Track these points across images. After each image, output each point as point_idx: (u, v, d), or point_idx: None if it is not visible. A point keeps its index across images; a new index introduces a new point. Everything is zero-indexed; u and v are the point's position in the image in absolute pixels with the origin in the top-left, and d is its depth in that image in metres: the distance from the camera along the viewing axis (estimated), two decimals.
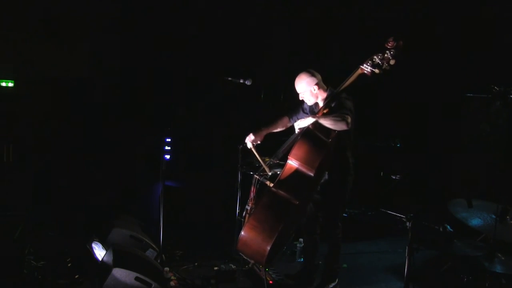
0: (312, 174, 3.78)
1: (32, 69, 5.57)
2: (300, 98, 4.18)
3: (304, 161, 3.79)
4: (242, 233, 3.76)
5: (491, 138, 5.71)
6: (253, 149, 4.22)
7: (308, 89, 4.09)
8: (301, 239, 4.85)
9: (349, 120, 3.80)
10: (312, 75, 4.10)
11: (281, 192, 3.80)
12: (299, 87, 4.13)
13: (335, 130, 3.85)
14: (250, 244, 3.74)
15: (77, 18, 5.82)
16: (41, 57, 5.65)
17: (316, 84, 4.08)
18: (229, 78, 4.54)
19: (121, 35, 6.07)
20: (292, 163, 3.83)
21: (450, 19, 6.07)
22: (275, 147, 4.23)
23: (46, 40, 5.70)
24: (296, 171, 3.81)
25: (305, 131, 3.88)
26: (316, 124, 3.85)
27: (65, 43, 5.82)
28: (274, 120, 4.44)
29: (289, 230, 4.02)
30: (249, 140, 4.25)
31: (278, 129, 4.44)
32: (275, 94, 6.33)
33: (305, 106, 4.32)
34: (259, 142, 4.29)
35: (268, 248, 3.67)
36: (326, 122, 3.80)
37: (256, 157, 4.19)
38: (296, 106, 4.40)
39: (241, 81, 4.51)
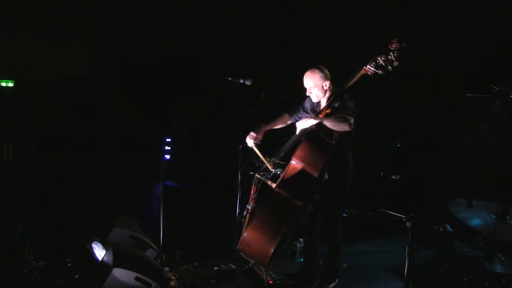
0: (316, 175, 3.77)
1: (32, 69, 5.57)
2: (308, 93, 4.14)
3: (308, 162, 3.78)
4: (245, 234, 3.74)
5: (491, 138, 5.71)
6: (254, 148, 4.21)
7: (320, 84, 4.05)
8: (301, 239, 4.84)
9: (352, 121, 3.80)
10: (324, 70, 4.08)
11: (285, 193, 3.79)
12: (311, 82, 4.06)
13: (338, 132, 3.86)
14: (253, 245, 3.72)
15: (77, 18, 5.83)
16: (41, 57, 5.65)
17: (329, 80, 4.07)
18: (229, 78, 4.54)
19: (121, 35, 6.07)
20: (296, 164, 3.81)
21: (450, 19, 6.08)
22: (276, 147, 4.22)
23: (46, 40, 5.70)
24: (300, 172, 3.80)
25: (309, 132, 3.87)
26: (319, 126, 3.84)
27: (65, 43, 5.82)
28: (274, 117, 4.44)
29: (290, 231, 4.02)
30: (250, 138, 4.23)
31: (278, 126, 4.43)
32: (275, 94, 6.33)
33: (306, 105, 4.31)
34: (260, 139, 4.27)
35: (272, 250, 3.67)
36: (329, 123, 3.80)
37: (258, 155, 4.17)
38: (297, 104, 4.39)
39: (241, 81, 4.50)
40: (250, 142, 4.22)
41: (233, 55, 6.11)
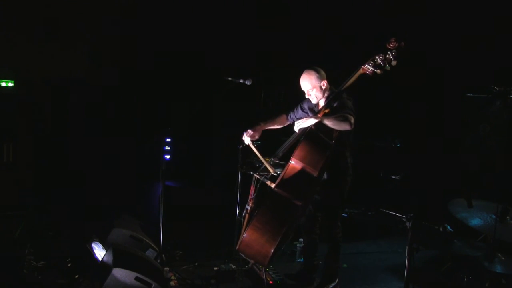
0: (315, 175, 3.77)
1: (32, 69, 5.58)
2: (307, 96, 4.14)
3: (307, 162, 3.77)
4: (245, 234, 3.74)
5: (491, 138, 5.71)
6: (251, 145, 4.19)
7: (317, 85, 4.05)
8: (301, 239, 4.84)
9: (353, 120, 3.79)
10: (320, 71, 4.08)
11: (284, 193, 3.78)
12: (308, 84, 4.06)
13: (337, 131, 3.84)
14: (253, 245, 3.72)
15: (77, 18, 5.84)
16: (41, 57, 5.66)
17: (325, 80, 4.07)
18: (229, 78, 4.53)
19: (121, 36, 6.07)
20: (295, 164, 3.79)
21: (450, 18, 6.08)
22: (275, 147, 4.22)
23: (46, 40, 5.71)
24: (299, 172, 3.79)
25: (308, 132, 3.86)
26: (318, 125, 3.83)
27: (65, 43, 5.83)
28: (272, 116, 4.43)
29: (290, 231, 4.02)
30: (247, 135, 4.22)
31: (276, 126, 4.42)
32: (275, 94, 6.32)
33: (304, 105, 4.31)
34: (257, 138, 4.26)
35: (272, 250, 3.68)
36: (329, 122, 3.78)
37: (255, 153, 4.16)
38: (295, 105, 4.39)
39: (241, 81, 4.50)
40: (246, 139, 4.21)
41: (233, 55, 6.11)
